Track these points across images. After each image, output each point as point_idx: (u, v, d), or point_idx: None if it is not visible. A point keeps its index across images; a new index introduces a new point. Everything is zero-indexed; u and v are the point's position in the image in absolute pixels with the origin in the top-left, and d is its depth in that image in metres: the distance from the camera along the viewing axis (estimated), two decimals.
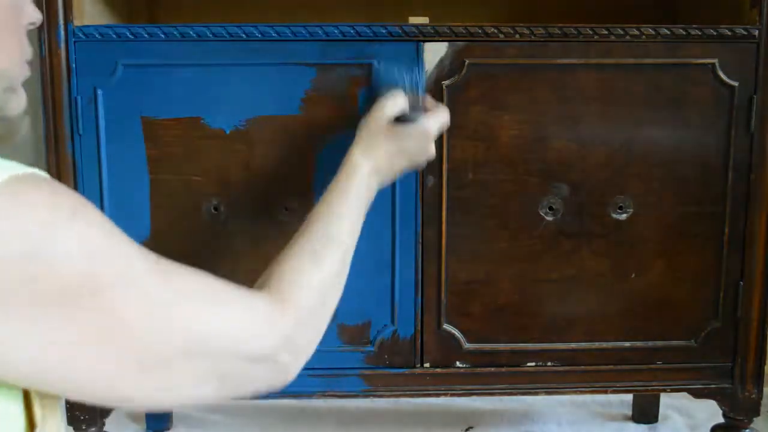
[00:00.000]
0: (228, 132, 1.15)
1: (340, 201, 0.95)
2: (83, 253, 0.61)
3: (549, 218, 1.19)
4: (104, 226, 0.65)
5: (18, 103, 0.71)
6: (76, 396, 0.66)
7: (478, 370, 1.22)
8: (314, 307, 0.84)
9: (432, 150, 1.05)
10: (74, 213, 0.62)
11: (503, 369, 1.23)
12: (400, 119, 1.04)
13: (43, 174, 0.64)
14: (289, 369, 0.80)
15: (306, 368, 1.21)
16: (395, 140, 1.01)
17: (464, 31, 1.13)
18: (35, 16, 0.74)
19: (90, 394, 0.66)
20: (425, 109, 1.06)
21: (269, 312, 0.78)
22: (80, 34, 1.12)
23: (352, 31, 1.13)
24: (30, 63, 0.74)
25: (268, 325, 0.76)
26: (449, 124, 1.09)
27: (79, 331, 0.61)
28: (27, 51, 0.73)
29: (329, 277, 0.88)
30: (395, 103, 1.04)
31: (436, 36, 1.13)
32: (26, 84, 0.75)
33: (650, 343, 1.23)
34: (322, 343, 1.20)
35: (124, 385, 0.66)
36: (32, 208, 0.59)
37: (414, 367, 1.22)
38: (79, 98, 1.13)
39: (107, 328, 0.63)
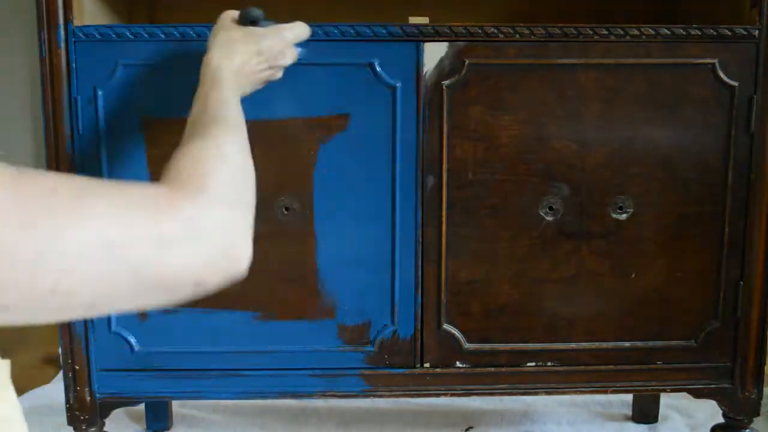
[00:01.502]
0: None
1: (212, 106, 0.90)
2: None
3: (549, 218, 1.19)
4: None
5: None
6: None
7: (478, 370, 1.22)
8: (222, 183, 0.75)
9: (291, 54, 1.04)
10: None
11: (503, 369, 1.23)
12: (247, 22, 1.03)
13: None
14: (223, 248, 0.70)
15: (306, 368, 1.22)
16: (252, 40, 1.00)
17: (464, 31, 1.13)
18: None
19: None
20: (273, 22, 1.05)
21: (168, 194, 0.69)
22: (80, 34, 1.12)
23: (352, 31, 1.13)
24: None
25: (169, 205, 0.67)
26: (308, 35, 1.07)
27: None
28: None
29: (226, 155, 0.81)
30: (246, 10, 1.03)
31: (436, 36, 1.13)
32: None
33: (650, 343, 1.23)
34: (323, 342, 1.20)
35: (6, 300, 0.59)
36: None
37: (414, 367, 1.22)
38: (79, 98, 1.13)
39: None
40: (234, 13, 1.05)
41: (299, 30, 1.07)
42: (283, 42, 1.03)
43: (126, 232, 0.63)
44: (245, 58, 0.99)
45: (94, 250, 0.61)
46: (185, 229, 0.67)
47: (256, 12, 1.04)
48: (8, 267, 0.57)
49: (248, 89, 1.02)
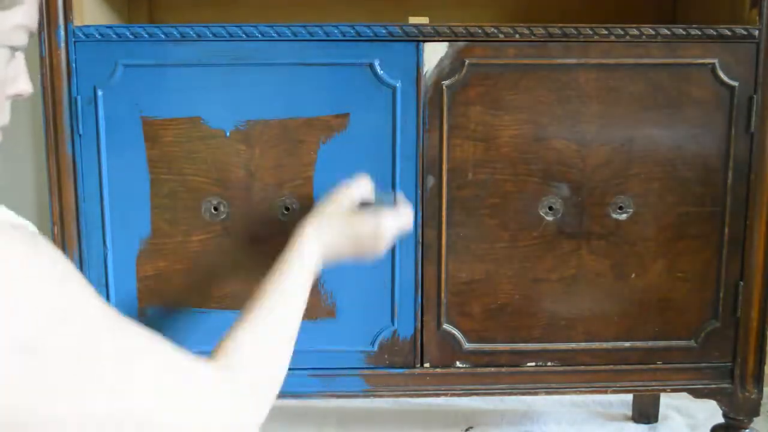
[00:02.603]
0: (228, 132, 1.15)
1: (282, 274, 0.95)
2: (48, 312, 0.60)
3: (549, 218, 1.19)
4: (75, 285, 0.64)
5: None
6: None
7: (478, 370, 1.22)
8: (257, 375, 0.86)
9: (382, 248, 1.02)
10: (52, 271, 0.61)
11: (503, 369, 1.23)
12: (364, 205, 1.04)
13: (24, 224, 0.64)
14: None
15: (306, 368, 1.22)
16: (350, 224, 1.00)
17: (464, 31, 1.13)
18: (25, 88, 0.74)
19: None
20: (393, 203, 1.05)
21: (214, 379, 0.78)
22: (80, 34, 1.12)
23: (352, 31, 1.13)
24: (3, 129, 0.74)
25: (213, 392, 0.77)
26: (411, 227, 1.07)
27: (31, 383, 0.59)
28: (2, 118, 0.73)
29: (268, 346, 0.90)
30: (360, 185, 1.04)
31: (436, 36, 1.13)
32: None
33: (650, 343, 1.23)
34: (323, 342, 1.21)
35: None
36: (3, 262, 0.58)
37: (414, 367, 1.22)
38: (79, 98, 1.13)
39: (63, 385, 0.61)
40: (356, 192, 1.04)
41: (405, 221, 1.05)
42: (381, 235, 1.02)
43: (167, 411, 0.69)
44: (336, 237, 1.00)
45: (130, 422, 0.66)
46: (223, 419, 0.76)
47: (377, 199, 1.05)
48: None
49: (332, 262, 1.02)
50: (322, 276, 1.18)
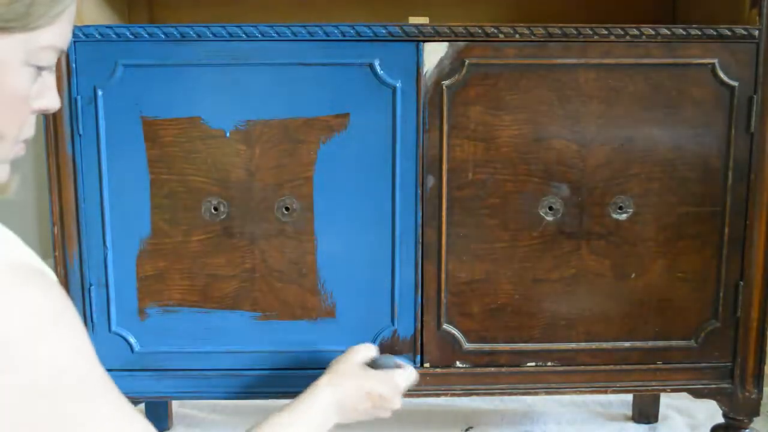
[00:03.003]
0: (228, 132, 1.15)
1: (295, 423, 0.96)
2: (53, 360, 0.63)
3: (549, 218, 1.19)
4: (79, 337, 0.67)
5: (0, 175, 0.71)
6: None
7: (478, 370, 1.22)
8: None
9: (398, 403, 1.06)
10: (56, 319, 0.64)
11: (503, 369, 1.23)
12: (372, 365, 1.07)
13: (40, 266, 0.66)
14: None
15: (306, 368, 1.22)
16: (365, 379, 1.03)
17: (464, 31, 1.13)
18: (50, 104, 0.74)
19: None
20: (396, 366, 1.08)
21: None
22: (80, 34, 1.12)
23: (352, 31, 1.13)
24: (27, 142, 0.74)
25: None
26: (417, 380, 1.10)
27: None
28: (27, 131, 0.73)
29: None
30: (368, 348, 1.09)
31: (436, 36, 1.13)
32: None
33: (650, 343, 1.23)
34: (323, 342, 1.20)
35: None
36: (17, 305, 0.61)
37: (414, 367, 1.22)
38: (79, 98, 1.13)
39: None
40: (367, 353, 1.09)
41: (412, 379, 1.09)
42: (395, 390, 1.05)
43: None
44: (351, 393, 1.02)
45: None
46: None
47: (384, 360, 1.09)
48: None
49: (345, 420, 1.03)
50: (322, 276, 1.18)
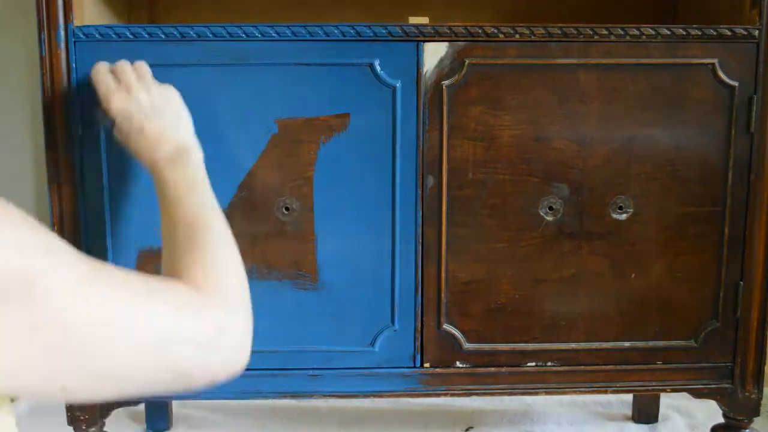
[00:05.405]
0: (228, 132, 1.15)
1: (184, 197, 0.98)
2: (12, 250, 0.61)
3: (549, 218, 1.19)
4: (27, 222, 0.65)
5: None
6: (18, 391, 0.65)
7: (478, 370, 1.22)
8: (229, 283, 0.87)
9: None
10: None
11: (503, 369, 1.23)
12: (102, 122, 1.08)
13: None
14: (236, 346, 0.81)
15: (306, 368, 1.22)
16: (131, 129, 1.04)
17: (464, 31, 1.13)
18: None
19: (33, 389, 0.65)
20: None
21: (195, 298, 0.80)
22: (80, 34, 1.12)
23: (351, 31, 1.13)
24: None
25: (206, 312, 0.78)
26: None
27: (14, 329, 0.60)
28: None
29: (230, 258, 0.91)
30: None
31: (436, 36, 1.13)
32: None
33: (650, 343, 1.23)
34: (323, 343, 1.20)
35: (68, 381, 0.65)
36: None
37: (414, 367, 1.22)
38: (79, 98, 1.13)
39: (44, 324, 0.62)
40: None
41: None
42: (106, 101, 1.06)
43: (174, 332, 0.72)
44: (140, 139, 1.04)
45: (148, 346, 0.69)
46: (217, 334, 0.77)
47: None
48: (80, 352, 0.65)
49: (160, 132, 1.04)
50: (322, 275, 1.18)
